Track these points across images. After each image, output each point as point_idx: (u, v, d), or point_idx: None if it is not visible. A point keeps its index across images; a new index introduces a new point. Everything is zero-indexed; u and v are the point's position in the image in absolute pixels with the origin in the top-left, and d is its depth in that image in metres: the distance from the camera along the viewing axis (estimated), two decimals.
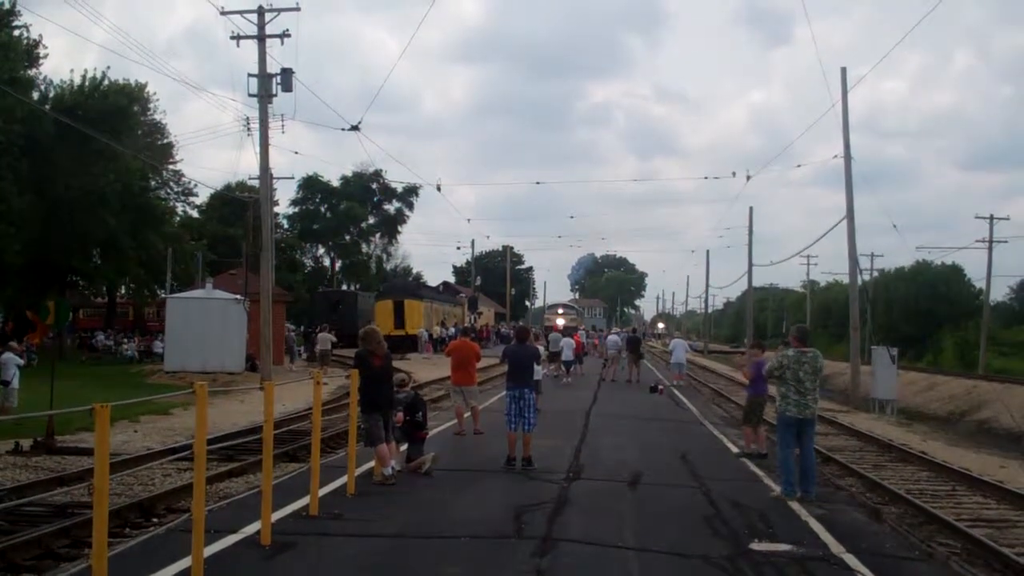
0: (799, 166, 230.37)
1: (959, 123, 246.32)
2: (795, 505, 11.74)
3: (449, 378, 19.98)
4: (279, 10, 34.23)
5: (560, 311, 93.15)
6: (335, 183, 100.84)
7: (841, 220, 37.43)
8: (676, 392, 31.38)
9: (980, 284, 73.61)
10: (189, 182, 67.50)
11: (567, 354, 34.82)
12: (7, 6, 47.98)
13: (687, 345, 34.60)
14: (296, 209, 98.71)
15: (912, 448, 22.06)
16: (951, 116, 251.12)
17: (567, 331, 47.17)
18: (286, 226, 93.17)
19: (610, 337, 41.46)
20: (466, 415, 18.01)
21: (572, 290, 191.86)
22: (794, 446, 12.39)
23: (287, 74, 34.27)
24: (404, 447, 13.69)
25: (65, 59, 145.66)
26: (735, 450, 17.21)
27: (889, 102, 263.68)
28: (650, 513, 11.31)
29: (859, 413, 32.50)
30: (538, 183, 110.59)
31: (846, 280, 45.08)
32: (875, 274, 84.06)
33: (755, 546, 9.54)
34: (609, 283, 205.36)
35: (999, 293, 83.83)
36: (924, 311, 79.74)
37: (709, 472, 14.34)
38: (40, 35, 52.11)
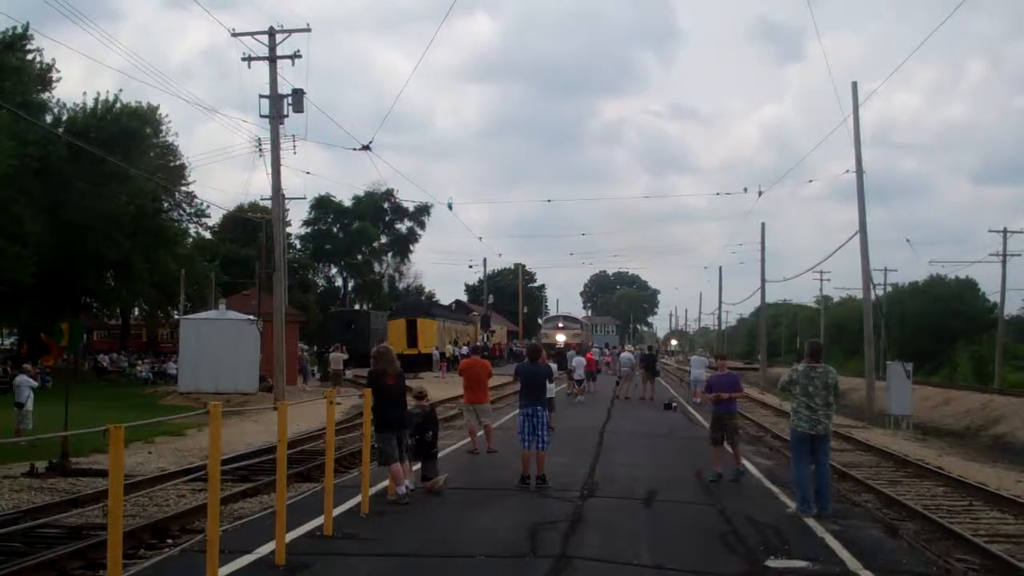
0: (811, 181, 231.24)
1: (972, 136, 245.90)
2: (811, 522, 11.69)
3: (462, 397, 19.96)
4: (290, 31, 34.41)
5: (560, 324, 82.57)
6: (347, 203, 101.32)
7: (854, 235, 37.42)
8: (690, 409, 31.31)
9: (994, 298, 73.54)
10: (202, 203, 67.71)
11: (579, 372, 34.82)
12: (19, 30, 48.36)
13: (707, 362, 34.59)
14: (308, 229, 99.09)
15: (928, 463, 21.95)
16: (964, 129, 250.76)
17: (567, 348, 47.07)
18: (298, 246, 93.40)
19: (623, 354, 41.43)
20: (479, 434, 17.98)
21: (584, 307, 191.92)
22: (809, 462, 12.33)
23: (298, 95, 34.38)
24: (417, 466, 13.68)
25: (80, 83, 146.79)
26: (748, 467, 17.12)
27: (902, 115, 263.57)
28: (665, 530, 11.27)
29: (874, 429, 32.37)
30: (550, 201, 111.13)
31: (859, 295, 45.04)
32: (889, 289, 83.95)
33: (771, 563, 9.50)
34: (621, 300, 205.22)
35: (1013, 307, 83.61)
36: (938, 326, 79.46)
37: (723, 489, 14.29)
38: (53, 59, 52.54)
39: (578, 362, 35.54)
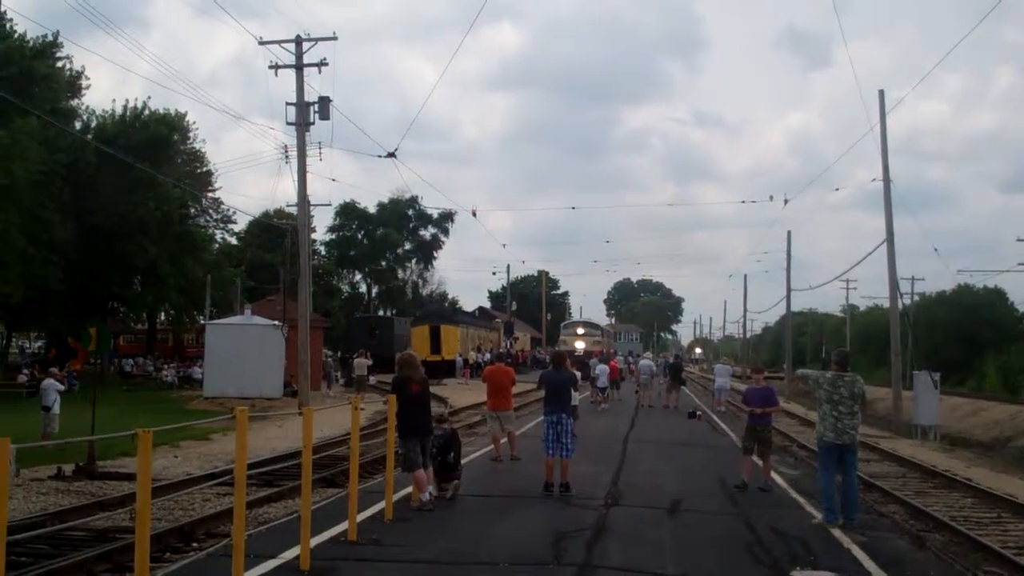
0: (837, 189, 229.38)
1: (1001, 144, 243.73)
2: (837, 532, 11.61)
3: (485, 403, 19.95)
4: (316, 39, 34.59)
5: (580, 331, 77.53)
6: (372, 210, 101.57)
7: (881, 244, 37.19)
8: (714, 418, 31.19)
9: (1023, 308, 72.82)
10: (228, 210, 68.11)
11: (602, 380, 34.75)
12: (49, 38, 48.81)
13: (731, 370, 34.52)
14: (333, 236, 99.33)
15: (956, 474, 21.76)
16: (992, 137, 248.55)
17: (589, 356, 46.74)
18: (323, 252, 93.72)
19: (642, 362, 41.24)
20: (503, 441, 17.97)
21: (608, 315, 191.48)
22: (835, 472, 12.27)
23: (324, 102, 34.55)
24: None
25: (110, 90, 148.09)
26: (776, 478, 17.04)
27: (929, 124, 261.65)
28: (690, 540, 11.22)
29: (901, 439, 32.16)
30: (574, 208, 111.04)
31: (886, 304, 44.74)
32: (916, 298, 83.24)
33: (796, 573, 9.45)
34: (645, 308, 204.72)
35: None
36: (966, 335, 78.77)
37: (748, 498, 14.22)
38: (83, 66, 53.19)
39: (601, 370, 35.45)
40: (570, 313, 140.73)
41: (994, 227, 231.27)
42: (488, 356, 66.92)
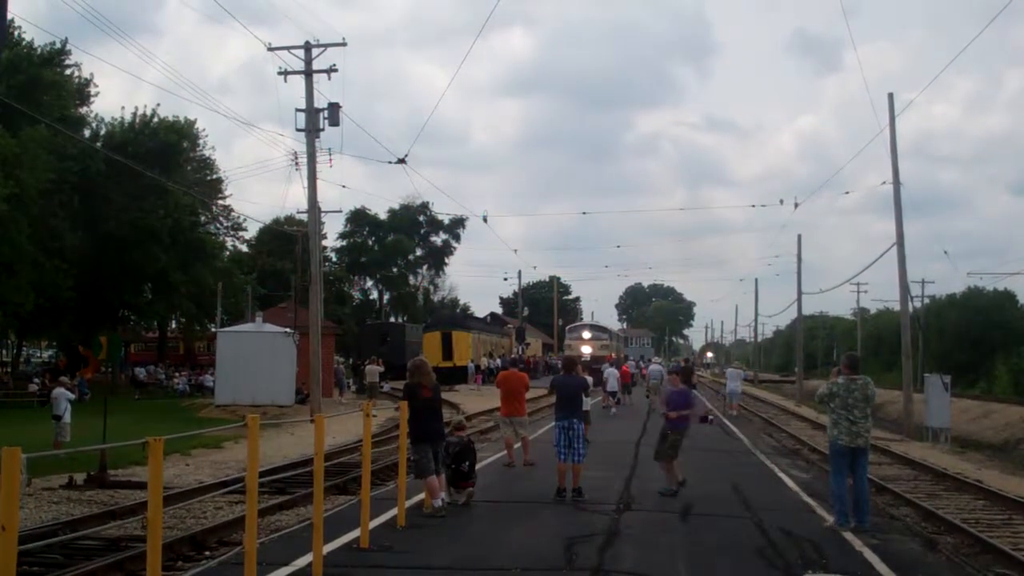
0: (848, 193, 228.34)
1: (1011, 147, 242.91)
2: (849, 535, 11.59)
3: (498, 409, 19.94)
4: (326, 45, 34.60)
5: (586, 334, 70.78)
6: (382, 216, 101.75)
7: (891, 247, 37.07)
8: (727, 422, 31.15)
9: None
10: (238, 217, 68.26)
11: (612, 384, 34.73)
12: (58, 46, 48.98)
13: (743, 374, 34.48)
14: (344, 242, 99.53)
15: (967, 477, 21.70)
16: (1003, 140, 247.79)
17: (599, 361, 46.39)
18: (334, 259, 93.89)
19: (653, 367, 41.23)
20: (516, 446, 17.97)
21: (619, 319, 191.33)
22: (847, 475, 12.25)
23: (334, 109, 34.53)
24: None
25: (119, 98, 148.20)
26: (786, 480, 17.01)
27: (940, 126, 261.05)
28: (702, 544, 11.21)
29: (912, 442, 32.07)
30: (585, 213, 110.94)
31: (897, 307, 44.59)
32: (926, 301, 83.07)
33: None
34: (657, 312, 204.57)
35: None
36: (977, 338, 78.65)
37: (761, 502, 14.20)
38: (91, 74, 53.28)
39: (611, 373, 35.45)
40: (581, 318, 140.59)
41: (1005, 230, 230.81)
42: (499, 362, 66.95)
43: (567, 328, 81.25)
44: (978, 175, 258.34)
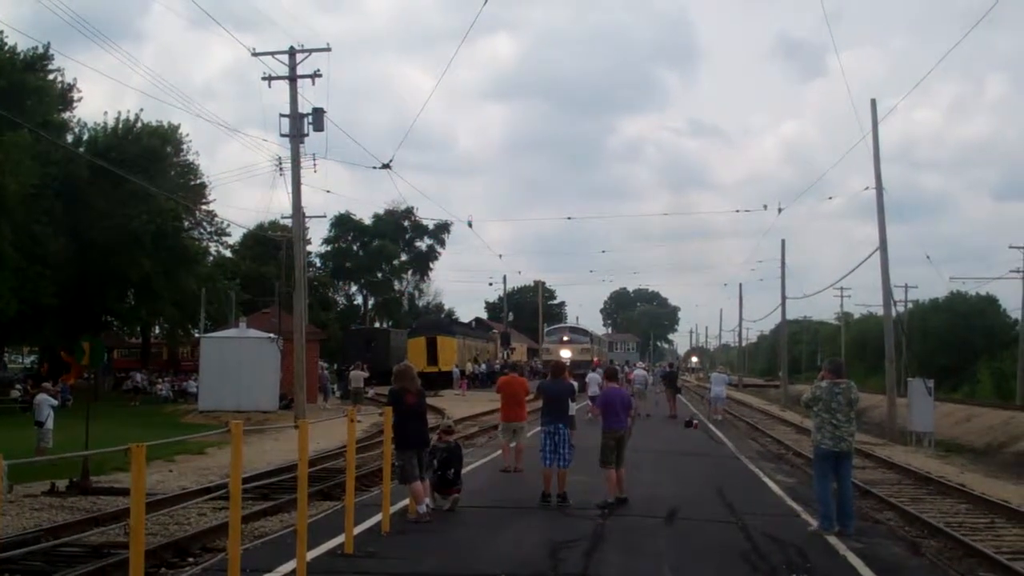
0: (831, 198, 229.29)
1: (994, 152, 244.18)
2: (833, 539, 11.61)
3: (494, 414, 19.90)
4: (310, 51, 34.49)
5: (565, 337, 67.42)
6: (367, 221, 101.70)
7: (874, 252, 37.23)
8: (711, 426, 31.19)
9: (1016, 314, 73.10)
10: (222, 222, 67.94)
11: (593, 389, 34.68)
12: (40, 51, 48.80)
13: (727, 379, 34.53)
14: (328, 247, 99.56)
15: (950, 480, 21.78)
16: (985, 145, 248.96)
17: (577, 365, 46.12)
18: (319, 264, 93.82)
19: (636, 372, 41.22)
20: (511, 446, 17.90)
21: (604, 324, 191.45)
22: (831, 479, 12.28)
23: (318, 114, 34.46)
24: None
25: (103, 103, 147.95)
26: (770, 484, 17.03)
27: (923, 132, 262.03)
28: (687, 549, 11.23)
29: (896, 446, 32.17)
30: (570, 218, 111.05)
31: (880, 312, 44.81)
32: (909, 305, 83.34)
33: None
34: (642, 317, 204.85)
35: None
36: (959, 342, 79.07)
37: (745, 507, 14.21)
38: (75, 79, 53.07)
39: (592, 378, 35.37)
40: (565, 322, 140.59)
41: (987, 235, 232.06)
42: (483, 367, 66.86)
43: (545, 332, 78.92)
44: (961, 180, 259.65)
